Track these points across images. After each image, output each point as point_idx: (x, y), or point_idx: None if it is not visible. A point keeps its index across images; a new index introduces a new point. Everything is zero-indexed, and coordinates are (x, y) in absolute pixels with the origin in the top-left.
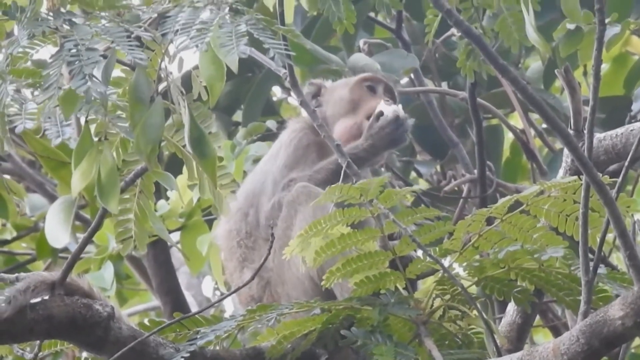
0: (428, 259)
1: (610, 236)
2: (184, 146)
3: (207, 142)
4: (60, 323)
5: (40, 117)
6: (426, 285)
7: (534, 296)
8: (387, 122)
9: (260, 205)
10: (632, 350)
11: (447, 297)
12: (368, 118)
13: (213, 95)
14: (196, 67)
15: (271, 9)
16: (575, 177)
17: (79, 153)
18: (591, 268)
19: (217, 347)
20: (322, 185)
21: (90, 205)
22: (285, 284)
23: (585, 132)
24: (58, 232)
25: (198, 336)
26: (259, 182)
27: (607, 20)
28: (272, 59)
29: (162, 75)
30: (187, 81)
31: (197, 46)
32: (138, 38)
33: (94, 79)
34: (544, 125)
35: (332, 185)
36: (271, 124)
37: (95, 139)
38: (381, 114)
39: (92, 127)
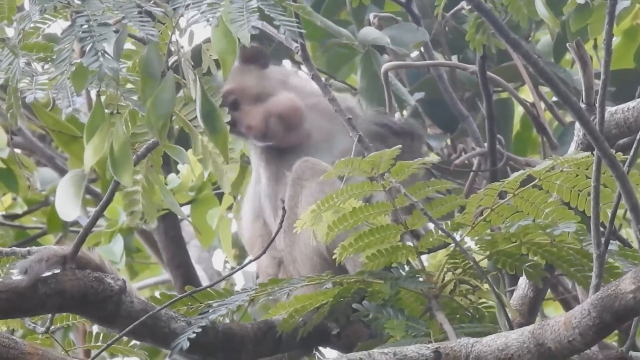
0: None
1: (621, 211)
2: (191, 120)
3: (218, 116)
4: (72, 297)
5: (50, 89)
6: (437, 259)
7: (546, 270)
8: None
9: (266, 217)
10: None
11: (459, 271)
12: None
13: (225, 68)
14: (206, 41)
15: None
16: (588, 152)
17: (90, 127)
18: (602, 242)
19: (228, 321)
20: None
21: (101, 179)
22: (295, 262)
23: (597, 106)
24: (68, 206)
25: (210, 310)
26: (256, 204)
27: None
28: (284, 33)
29: (173, 50)
30: (196, 55)
31: (208, 21)
32: (149, 12)
33: (106, 55)
34: (554, 99)
35: (343, 159)
36: None
37: (107, 112)
38: None
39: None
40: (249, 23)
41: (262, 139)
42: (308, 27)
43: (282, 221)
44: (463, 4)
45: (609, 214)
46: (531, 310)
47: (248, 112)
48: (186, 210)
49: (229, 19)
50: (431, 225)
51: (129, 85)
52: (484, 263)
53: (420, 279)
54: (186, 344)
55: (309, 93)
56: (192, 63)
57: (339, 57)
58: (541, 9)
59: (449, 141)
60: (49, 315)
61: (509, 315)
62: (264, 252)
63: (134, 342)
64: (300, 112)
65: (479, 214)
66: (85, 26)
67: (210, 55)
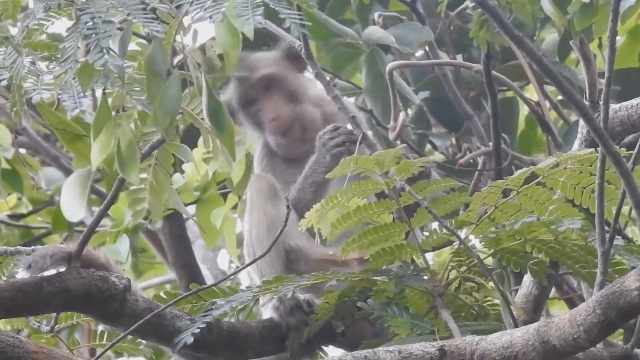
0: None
1: (625, 209)
2: (199, 114)
3: (224, 114)
4: (77, 296)
5: (56, 89)
6: (442, 257)
7: (550, 268)
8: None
9: None
10: None
11: (463, 269)
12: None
13: (229, 62)
14: (211, 39)
15: None
16: (592, 149)
17: (97, 126)
18: (607, 239)
19: (233, 319)
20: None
21: (106, 179)
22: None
23: (601, 103)
24: (74, 205)
25: (214, 307)
26: None
27: None
28: (288, 30)
29: (178, 48)
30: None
31: (210, 17)
32: (153, 10)
33: (111, 52)
34: (559, 98)
35: (347, 157)
36: None
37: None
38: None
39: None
40: (254, 18)
41: (280, 135)
42: (313, 26)
43: (286, 219)
44: (467, 2)
45: (614, 212)
46: (536, 308)
47: (278, 102)
48: (191, 210)
49: (234, 15)
50: (435, 224)
51: (135, 86)
52: (489, 261)
53: (425, 277)
54: (190, 339)
55: (318, 104)
56: (198, 62)
57: (344, 57)
58: (546, 5)
59: (453, 140)
60: (54, 315)
61: (514, 313)
62: (268, 251)
63: (138, 340)
64: (318, 129)
65: (484, 212)
66: (90, 23)
67: (214, 52)
